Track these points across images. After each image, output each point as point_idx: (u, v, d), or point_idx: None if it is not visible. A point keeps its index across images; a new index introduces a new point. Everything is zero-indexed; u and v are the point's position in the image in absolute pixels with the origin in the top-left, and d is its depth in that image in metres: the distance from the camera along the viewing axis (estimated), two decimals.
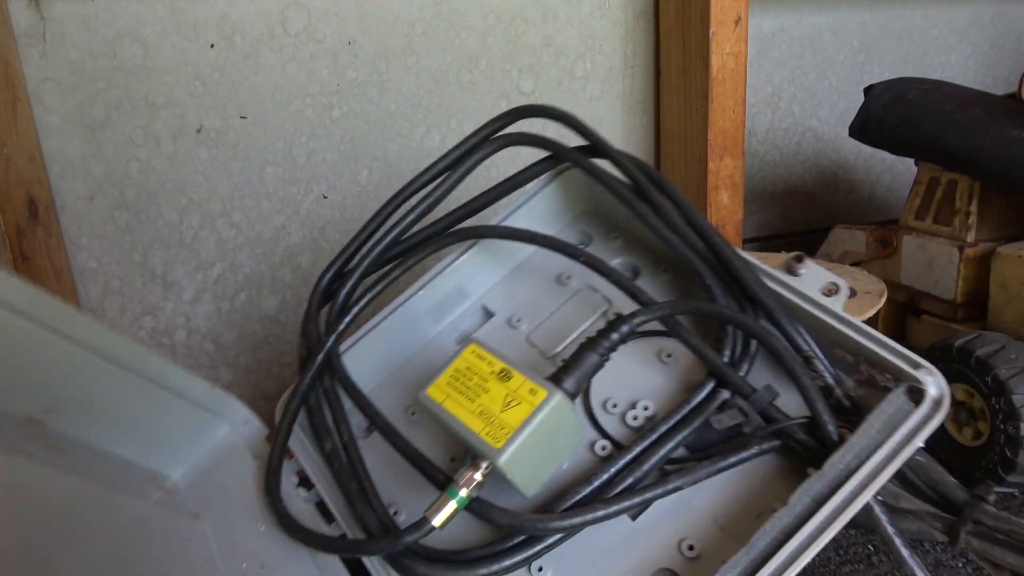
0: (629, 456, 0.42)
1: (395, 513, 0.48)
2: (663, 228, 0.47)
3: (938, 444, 0.68)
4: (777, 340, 0.42)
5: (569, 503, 0.41)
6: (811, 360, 0.42)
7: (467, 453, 0.47)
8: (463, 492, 0.39)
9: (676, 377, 0.48)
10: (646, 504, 0.42)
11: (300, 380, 0.51)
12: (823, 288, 0.44)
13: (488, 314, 0.57)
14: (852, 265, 0.89)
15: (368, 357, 0.55)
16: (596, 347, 0.43)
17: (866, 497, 0.37)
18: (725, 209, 0.92)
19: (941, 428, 0.67)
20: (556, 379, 0.42)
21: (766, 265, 0.47)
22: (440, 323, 0.57)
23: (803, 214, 1.18)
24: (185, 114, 0.81)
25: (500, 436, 0.39)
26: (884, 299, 0.69)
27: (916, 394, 0.38)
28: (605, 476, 0.42)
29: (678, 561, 0.41)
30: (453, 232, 0.54)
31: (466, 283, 0.57)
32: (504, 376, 0.42)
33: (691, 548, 0.41)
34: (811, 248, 1.12)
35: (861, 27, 1.14)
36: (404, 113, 0.90)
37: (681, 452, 0.44)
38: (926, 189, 0.80)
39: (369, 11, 0.86)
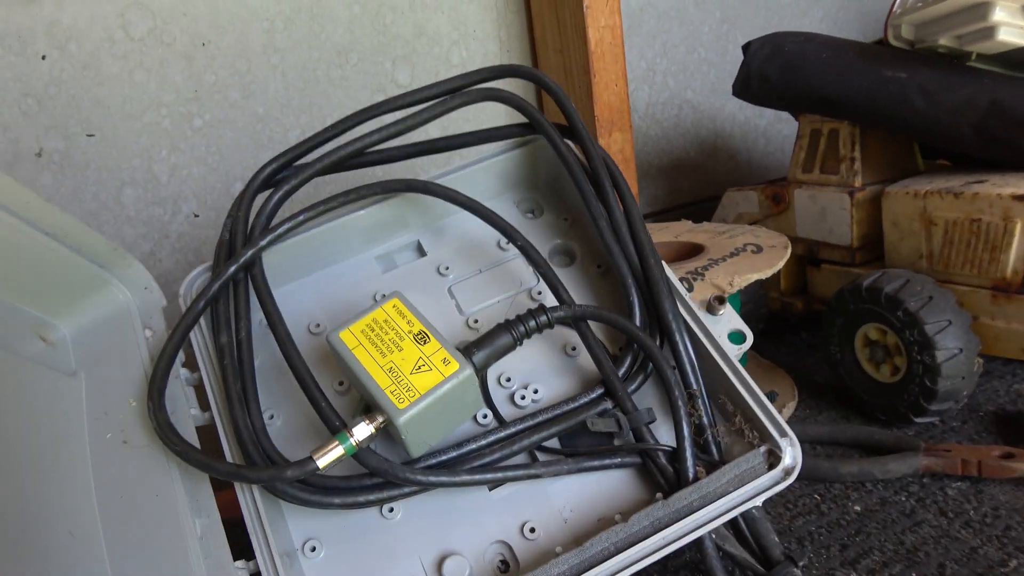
0: (505, 433, 0.45)
1: (271, 418, 0.49)
2: (608, 235, 0.49)
3: (858, 385, 0.69)
4: (670, 373, 0.45)
5: (435, 460, 0.44)
6: (695, 398, 0.45)
7: (360, 400, 0.47)
8: (352, 441, 0.40)
9: (572, 372, 0.50)
10: (505, 481, 0.45)
11: (220, 270, 0.48)
12: (731, 332, 0.49)
13: (421, 252, 0.56)
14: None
15: (288, 257, 0.53)
16: (513, 330, 0.45)
17: (697, 534, 0.41)
18: None
19: (859, 369, 0.68)
20: (468, 352, 0.44)
21: (690, 299, 0.49)
22: (371, 247, 0.55)
23: (690, 185, 1.20)
24: (20, 137, 0.71)
25: (404, 397, 0.41)
26: (789, 250, 0.69)
27: (773, 458, 0.43)
28: (476, 445, 0.45)
29: (517, 540, 0.44)
30: (400, 182, 0.53)
31: (409, 215, 0.55)
32: (421, 339, 0.43)
33: (532, 531, 0.44)
34: (703, 217, 1.14)
35: None
36: (274, 116, 0.84)
37: (553, 443, 0.47)
38: (809, 142, 0.81)
39: (222, 8, 0.79)
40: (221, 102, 0.80)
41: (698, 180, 1.21)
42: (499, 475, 0.44)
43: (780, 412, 0.73)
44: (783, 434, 0.43)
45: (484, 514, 0.45)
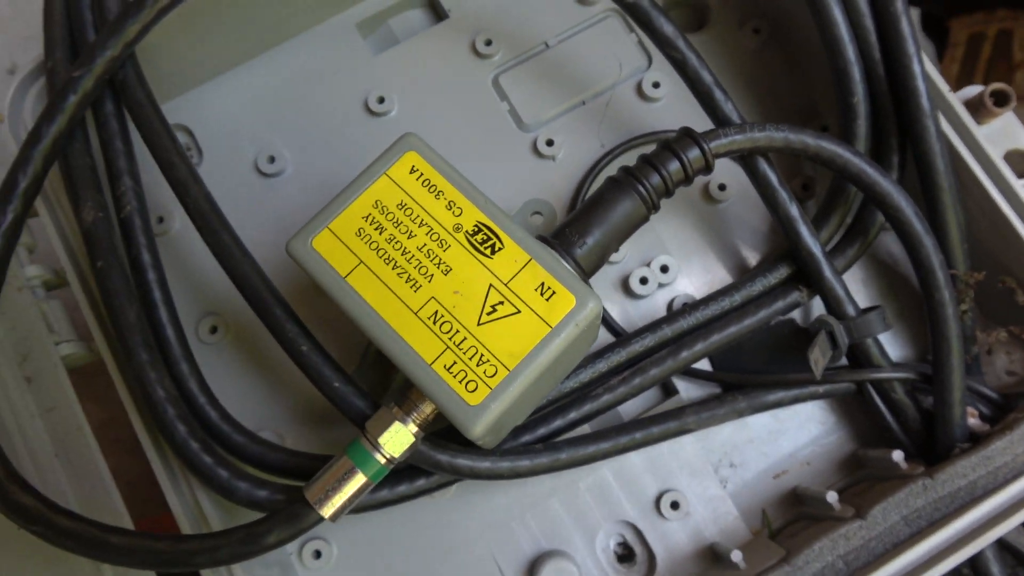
0: (625, 352, 0.27)
1: (213, 331, 0.29)
2: None
3: None
4: (929, 239, 0.25)
5: (525, 438, 0.26)
6: (968, 286, 0.26)
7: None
8: (381, 457, 0.21)
9: (725, 232, 0.30)
10: (634, 447, 0.26)
11: (65, 82, 0.25)
12: (1009, 155, 0.27)
13: (435, 11, 0.33)
14: None
15: (192, 40, 0.29)
16: (643, 186, 0.23)
17: (989, 540, 0.23)
18: None
19: None
20: (565, 242, 0.23)
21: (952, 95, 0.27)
22: (347, 3, 0.32)
23: None
24: None
25: (477, 378, 0.21)
26: None
27: None
28: (580, 381, 0.26)
29: (649, 519, 0.28)
30: None
31: None
32: (484, 242, 0.22)
33: (675, 507, 0.28)
34: None
35: None
36: None
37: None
38: (966, 52, 0.58)
39: None
40: None
41: None
42: (623, 439, 0.26)
43: None
44: None
45: (594, 491, 0.28)
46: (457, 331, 0.21)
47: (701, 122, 0.25)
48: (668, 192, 0.23)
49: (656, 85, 0.30)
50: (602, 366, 0.26)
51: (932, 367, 0.25)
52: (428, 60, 0.31)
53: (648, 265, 0.29)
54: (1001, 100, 0.27)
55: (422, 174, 0.22)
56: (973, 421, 0.25)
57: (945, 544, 0.23)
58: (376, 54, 0.32)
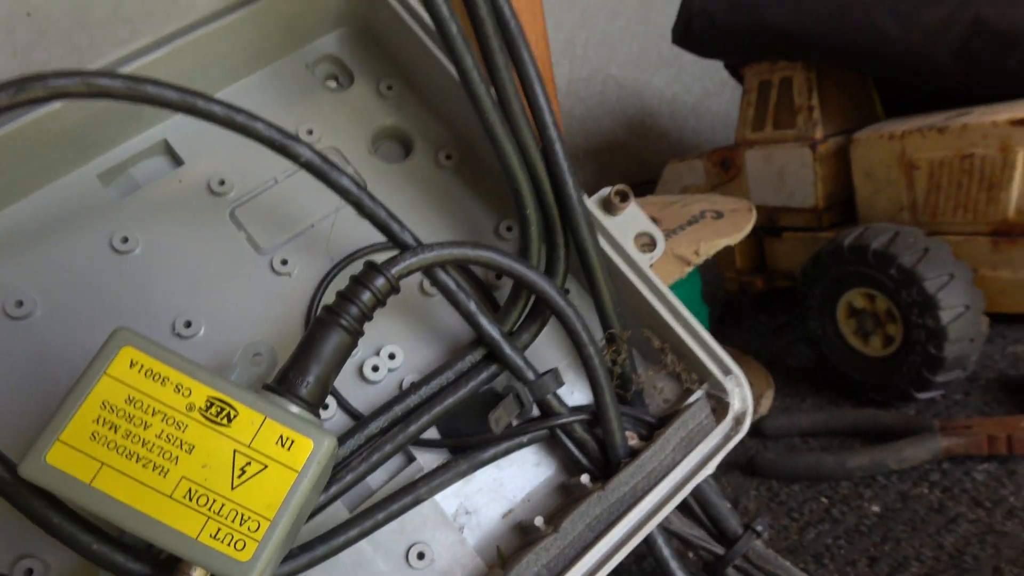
0: (365, 433, 0.31)
1: None
2: (487, 105, 0.32)
3: (845, 362, 0.59)
4: (578, 322, 0.32)
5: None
6: (617, 340, 0.34)
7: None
8: None
9: (437, 318, 0.36)
10: (382, 525, 0.31)
11: None
12: (637, 237, 0.36)
13: (174, 159, 0.36)
14: None
15: None
16: (343, 318, 0.27)
17: (650, 527, 0.31)
18: None
19: (845, 345, 0.58)
20: (288, 385, 0.26)
21: (588, 201, 0.35)
22: (89, 157, 0.35)
23: (621, 167, 1.10)
24: None
25: (243, 536, 0.23)
26: (755, 213, 0.59)
27: (718, 405, 0.34)
28: (334, 483, 0.30)
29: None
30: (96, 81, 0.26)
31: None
32: (219, 414, 0.24)
33: (421, 557, 0.32)
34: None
35: None
36: None
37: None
38: (758, 96, 0.72)
39: None
40: None
41: (630, 162, 1.11)
42: (368, 523, 0.30)
43: (758, 404, 0.62)
44: (726, 371, 0.34)
45: (352, 559, 0.32)
46: (214, 500, 0.23)
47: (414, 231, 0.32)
48: (367, 316, 0.28)
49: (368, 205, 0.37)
50: (344, 451, 0.31)
51: (595, 407, 0.32)
52: (168, 201, 0.35)
53: (378, 354, 0.34)
54: (623, 197, 0.35)
55: (142, 365, 0.24)
56: (633, 442, 0.33)
57: (621, 540, 0.30)
58: (119, 199, 0.35)
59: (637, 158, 1.12)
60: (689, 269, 0.54)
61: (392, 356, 0.35)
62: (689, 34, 0.69)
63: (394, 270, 0.29)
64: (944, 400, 0.57)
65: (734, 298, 0.82)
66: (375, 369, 0.34)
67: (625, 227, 0.36)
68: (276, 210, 0.36)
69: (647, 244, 0.37)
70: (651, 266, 0.36)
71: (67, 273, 0.34)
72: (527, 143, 0.33)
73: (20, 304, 0.33)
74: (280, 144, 0.29)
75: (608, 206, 0.36)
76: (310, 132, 0.37)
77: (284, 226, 0.36)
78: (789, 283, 0.73)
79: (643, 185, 1.08)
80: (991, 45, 0.54)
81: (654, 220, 0.66)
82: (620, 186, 0.36)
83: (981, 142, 0.53)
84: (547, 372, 0.33)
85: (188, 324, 0.34)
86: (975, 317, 0.52)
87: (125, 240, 0.34)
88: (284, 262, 0.35)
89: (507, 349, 0.32)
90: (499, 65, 0.32)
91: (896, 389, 0.56)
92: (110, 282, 0.34)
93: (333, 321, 0.27)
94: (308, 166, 0.29)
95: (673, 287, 0.54)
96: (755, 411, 0.61)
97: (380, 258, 0.29)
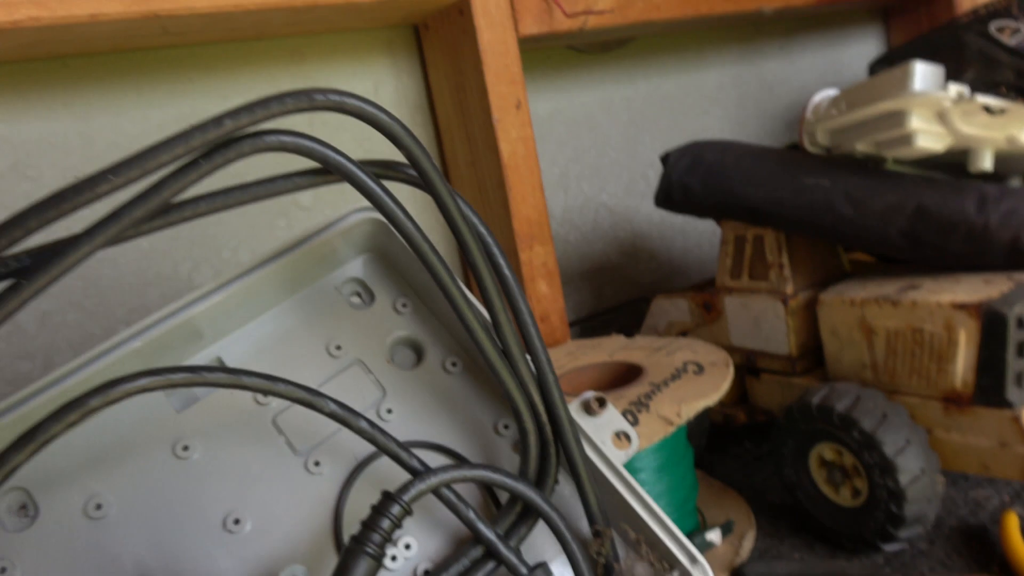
0: None
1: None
2: (481, 337, 0.39)
3: (819, 510, 0.64)
4: (568, 535, 0.38)
5: None
6: (602, 535, 0.40)
7: None
8: None
9: (443, 511, 0.41)
10: None
11: None
12: (614, 435, 0.43)
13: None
14: (680, 335, 0.87)
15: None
16: (367, 545, 0.34)
17: None
18: (546, 299, 0.86)
19: (818, 492, 0.63)
20: None
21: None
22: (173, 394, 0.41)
23: (613, 289, 1.17)
24: None
25: None
26: (731, 368, 0.65)
27: None
28: None
29: None
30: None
31: (202, 321, 0.42)
32: None
33: None
34: (631, 320, 1.10)
35: (627, 102, 1.17)
36: (161, 250, 0.75)
37: None
38: (734, 248, 0.79)
39: (97, 137, 0.71)
40: None
41: (622, 283, 1.18)
42: None
43: (740, 544, 0.67)
44: (693, 560, 0.39)
45: None
46: None
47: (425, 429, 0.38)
48: (390, 540, 0.34)
49: (389, 411, 0.43)
50: None
51: None
52: (221, 411, 0.42)
53: (396, 544, 0.40)
54: (601, 403, 0.42)
55: None
56: None
57: None
58: (179, 411, 0.42)
59: (629, 278, 1.19)
60: (672, 429, 0.60)
61: (408, 547, 0.40)
62: (670, 201, 0.77)
63: (406, 497, 0.35)
64: (911, 549, 0.62)
65: (720, 427, 0.87)
66: (393, 559, 0.40)
67: (604, 428, 0.42)
68: (310, 418, 0.42)
69: (623, 442, 0.43)
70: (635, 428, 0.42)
71: (136, 476, 0.39)
72: (524, 376, 0.40)
73: (99, 507, 0.38)
74: (308, 401, 0.35)
75: (588, 409, 0.42)
76: (338, 347, 0.44)
77: (316, 432, 0.42)
78: (767, 419, 0.78)
79: (634, 304, 1.15)
80: (933, 230, 0.61)
81: (640, 369, 0.72)
82: (598, 393, 0.42)
83: (928, 319, 0.59)
84: (538, 566, 0.38)
85: (237, 521, 0.39)
86: (931, 479, 0.57)
87: (186, 448, 0.40)
88: (317, 463, 0.41)
89: (502, 548, 0.38)
90: (497, 308, 0.39)
91: (865, 539, 0.61)
92: (172, 484, 0.39)
93: (360, 550, 0.33)
94: (332, 416, 0.36)
95: (661, 442, 0.61)
96: (737, 553, 0.66)
97: None
